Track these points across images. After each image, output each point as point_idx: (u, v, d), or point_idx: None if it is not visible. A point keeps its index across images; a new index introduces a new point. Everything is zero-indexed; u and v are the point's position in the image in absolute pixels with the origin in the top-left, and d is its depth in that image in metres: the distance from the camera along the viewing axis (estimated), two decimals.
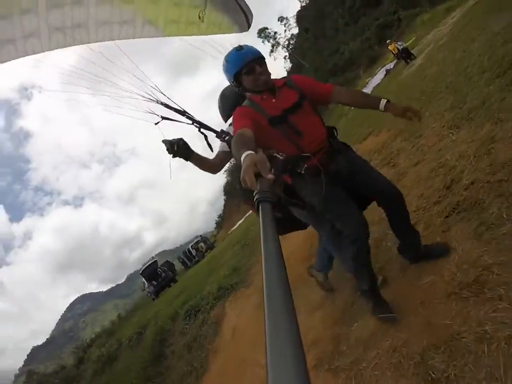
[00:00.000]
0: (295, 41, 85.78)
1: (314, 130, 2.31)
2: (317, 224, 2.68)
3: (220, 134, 2.83)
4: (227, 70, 2.31)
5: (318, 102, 2.44)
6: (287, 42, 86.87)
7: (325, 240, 2.90)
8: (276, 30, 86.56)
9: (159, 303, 14.87)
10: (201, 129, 2.88)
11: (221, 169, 2.90)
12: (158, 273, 26.65)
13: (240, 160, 1.34)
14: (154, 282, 25.17)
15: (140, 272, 28.14)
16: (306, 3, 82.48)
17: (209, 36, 3.37)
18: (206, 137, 2.87)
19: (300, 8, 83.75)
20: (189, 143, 2.60)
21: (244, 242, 10.63)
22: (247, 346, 3.87)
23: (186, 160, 2.62)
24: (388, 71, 24.08)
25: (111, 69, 2.78)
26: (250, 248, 8.96)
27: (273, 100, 2.28)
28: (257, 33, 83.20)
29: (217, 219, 79.03)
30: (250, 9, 3.46)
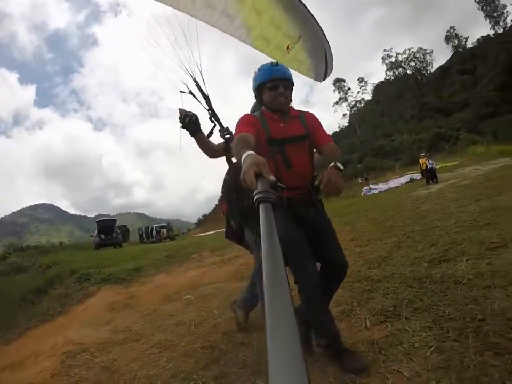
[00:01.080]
0: (362, 106, 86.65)
1: (302, 169, 2.28)
2: (257, 255, 2.66)
3: (223, 130, 2.88)
4: (255, 78, 2.36)
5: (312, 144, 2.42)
6: (354, 102, 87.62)
7: (256, 274, 2.94)
8: (350, 87, 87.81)
9: (92, 255, 14.91)
10: (212, 118, 2.95)
11: (218, 157, 2.98)
12: (111, 230, 26.62)
13: (240, 159, 1.34)
14: (103, 236, 25.51)
15: (97, 220, 28.28)
16: (390, 79, 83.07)
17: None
18: (214, 126, 2.93)
19: (382, 80, 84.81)
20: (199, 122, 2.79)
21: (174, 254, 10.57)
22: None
23: (192, 135, 2.78)
24: (412, 180, 24.17)
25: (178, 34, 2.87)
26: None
27: (281, 124, 2.30)
28: (334, 80, 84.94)
29: (201, 217, 78.65)
30: (333, 65, 3.67)
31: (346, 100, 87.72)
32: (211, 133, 2.93)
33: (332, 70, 3.70)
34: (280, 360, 0.41)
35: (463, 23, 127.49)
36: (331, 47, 3.53)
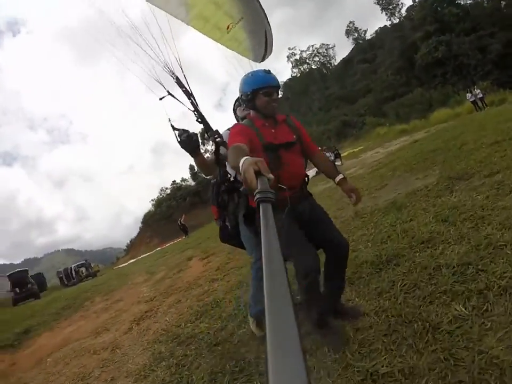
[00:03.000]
0: None
1: (297, 170, 2.44)
2: (253, 252, 2.90)
3: (213, 133, 2.85)
4: (249, 82, 2.41)
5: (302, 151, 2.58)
6: None
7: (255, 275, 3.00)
8: None
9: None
10: (199, 120, 2.92)
11: (211, 170, 2.92)
12: (25, 283, 25.68)
13: (238, 166, 1.39)
14: (17, 290, 24.58)
15: (7, 275, 27.50)
16: (297, 75, 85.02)
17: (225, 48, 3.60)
18: (204, 128, 2.93)
19: (289, 77, 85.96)
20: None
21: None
22: None
23: (193, 155, 2.68)
24: (317, 173, 23.85)
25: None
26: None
27: (273, 130, 2.42)
28: None
29: (128, 242, 74.16)
30: (272, 48, 3.78)
31: None
32: (205, 134, 3.03)
33: (271, 52, 3.81)
34: (280, 361, 0.42)
35: (362, 17, 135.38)
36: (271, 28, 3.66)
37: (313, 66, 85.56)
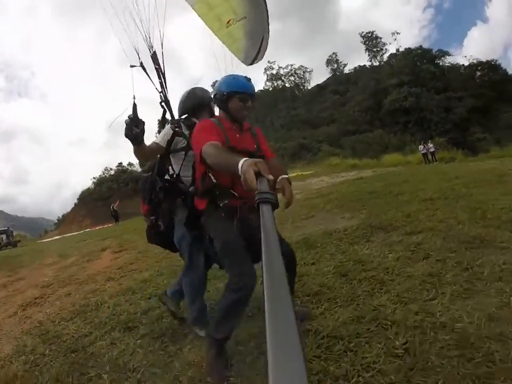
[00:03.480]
0: None
1: None
2: (190, 255, 2.73)
3: (175, 122, 2.76)
4: (229, 83, 2.38)
5: None
6: None
7: (187, 285, 2.84)
8: None
9: None
10: (163, 104, 2.86)
11: (149, 160, 2.93)
12: None
13: (229, 164, 1.51)
14: None
15: None
16: (269, 89, 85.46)
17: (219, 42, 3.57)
18: (165, 112, 2.86)
19: (262, 89, 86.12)
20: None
21: None
22: None
23: (137, 145, 2.51)
24: None
25: None
26: None
27: (238, 135, 2.39)
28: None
29: (60, 217, 70.33)
30: (263, 56, 3.79)
31: None
32: (163, 121, 2.89)
33: (262, 59, 3.79)
34: (280, 361, 0.42)
35: (345, 51, 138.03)
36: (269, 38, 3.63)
37: (286, 85, 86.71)
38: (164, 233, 2.80)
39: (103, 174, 65.35)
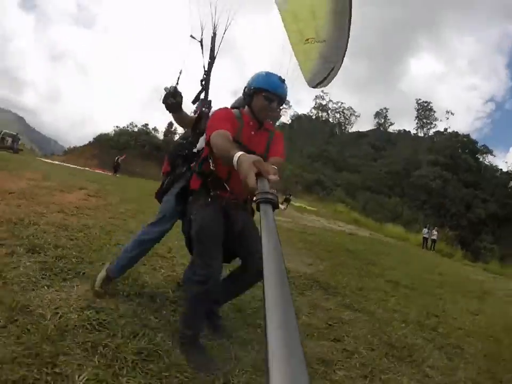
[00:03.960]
0: (277, 126, 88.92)
1: None
2: (160, 217, 2.76)
3: (206, 103, 2.84)
4: (259, 79, 2.33)
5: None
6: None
7: (143, 234, 2.85)
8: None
9: None
10: (203, 82, 2.89)
11: (188, 127, 2.93)
12: None
13: (228, 156, 1.47)
14: None
15: None
16: (313, 116, 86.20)
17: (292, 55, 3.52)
18: (201, 90, 2.87)
19: (305, 113, 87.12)
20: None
21: None
22: None
23: (173, 112, 2.67)
24: None
25: None
26: None
27: (252, 132, 2.34)
28: None
29: (70, 147, 69.72)
30: (328, 84, 3.71)
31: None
32: (197, 99, 2.87)
33: (326, 85, 3.75)
34: (280, 361, 0.42)
35: (397, 110, 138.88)
36: (339, 69, 3.57)
37: (330, 119, 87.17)
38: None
39: (127, 126, 65.30)
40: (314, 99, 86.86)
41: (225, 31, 2.88)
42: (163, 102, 2.57)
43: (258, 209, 0.94)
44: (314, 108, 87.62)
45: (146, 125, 65.61)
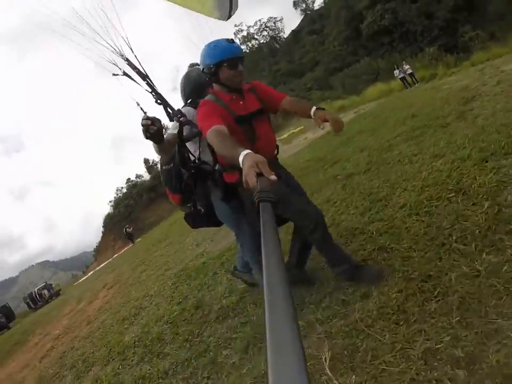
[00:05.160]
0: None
1: (269, 139, 2.46)
2: (236, 224, 2.88)
3: (176, 113, 2.75)
4: (211, 55, 2.28)
5: (269, 109, 2.54)
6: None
7: (244, 248, 3.01)
8: None
9: None
10: (159, 101, 2.83)
11: (170, 153, 2.87)
12: None
13: (230, 155, 1.50)
14: None
15: None
16: (245, 51, 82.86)
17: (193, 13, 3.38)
18: (166, 108, 2.81)
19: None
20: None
21: None
22: None
23: (158, 143, 2.50)
24: None
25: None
26: None
27: (241, 102, 2.37)
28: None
29: (95, 247, 73.93)
30: (237, 5, 3.44)
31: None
32: (170, 117, 2.81)
33: (237, 8, 3.44)
34: (280, 361, 0.41)
35: None
36: None
37: (262, 41, 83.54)
38: (205, 215, 2.93)
39: (117, 194, 67.03)
40: (235, 37, 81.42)
41: (131, 49, 2.78)
42: (146, 137, 2.36)
43: (258, 208, 0.93)
44: (241, 44, 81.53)
45: (128, 179, 66.86)
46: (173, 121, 2.81)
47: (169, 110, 2.82)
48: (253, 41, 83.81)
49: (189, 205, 3.01)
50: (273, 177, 1.17)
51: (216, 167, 2.56)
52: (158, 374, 2.99)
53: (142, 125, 2.36)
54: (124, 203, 61.17)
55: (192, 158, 2.78)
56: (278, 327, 0.46)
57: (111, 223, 62.47)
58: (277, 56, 74.14)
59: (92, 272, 36.77)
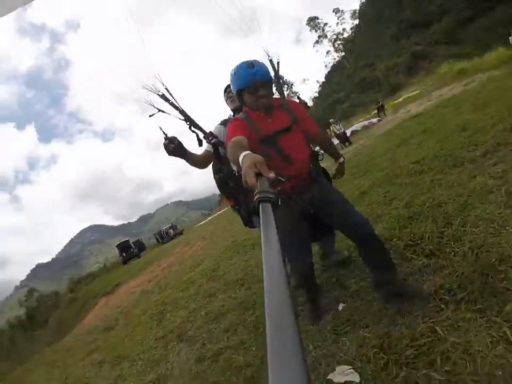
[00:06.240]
0: (344, 37, 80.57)
1: (300, 156, 2.38)
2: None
3: (208, 136, 2.96)
4: (232, 83, 2.36)
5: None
6: (334, 36, 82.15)
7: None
8: (327, 22, 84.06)
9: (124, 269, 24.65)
10: (192, 128, 2.95)
11: (207, 166, 3.08)
12: (128, 249, 36.83)
13: (238, 161, 1.39)
14: (124, 254, 35.32)
15: (116, 244, 38.63)
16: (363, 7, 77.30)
17: None
18: (197, 135, 2.94)
19: (359, 4, 79.29)
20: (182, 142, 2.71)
21: None
22: None
23: (182, 158, 2.72)
24: (370, 124, 22.85)
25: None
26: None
27: (269, 120, 2.37)
28: (307, 20, 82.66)
29: (216, 194, 77.38)
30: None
31: (326, 36, 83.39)
32: (200, 143, 2.95)
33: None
34: (280, 361, 0.42)
35: None
36: None
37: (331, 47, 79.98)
38: (248, 220, 3.25)
39: None
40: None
41: (166, 87, 2.89)
42: (168, 152, 2.62)
43: (258, 208, 0.93)
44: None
45: None
46: (202, 145, 2.98)
47: (200, 133, 2.96)
48: (342, 53, 79.49)
49: (236, 207, 3.25)
50: (271, 175, 1.15)
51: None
52: None
53: (164, 145, 2.60)
54: None
55: (234, 172, 2.87)
56: (278, 328, 0.46)
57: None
58: (403, 3, 63.60)
59: (210, 217, 40.53)
